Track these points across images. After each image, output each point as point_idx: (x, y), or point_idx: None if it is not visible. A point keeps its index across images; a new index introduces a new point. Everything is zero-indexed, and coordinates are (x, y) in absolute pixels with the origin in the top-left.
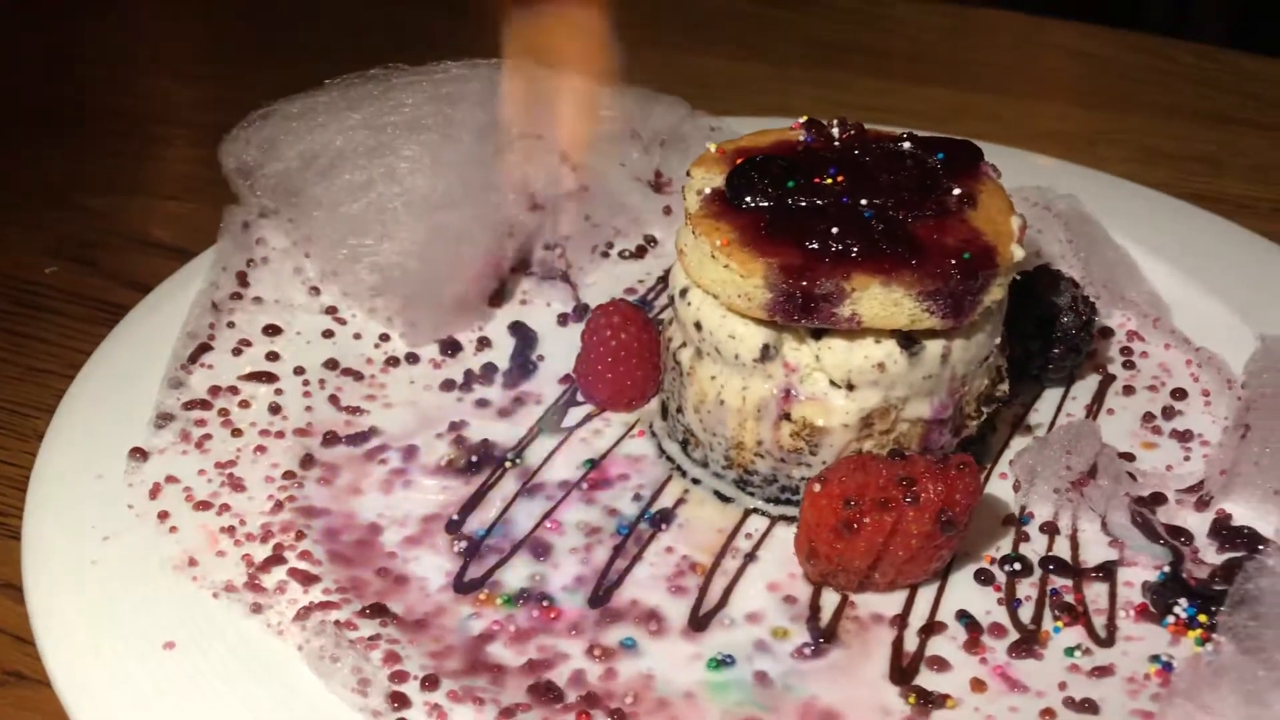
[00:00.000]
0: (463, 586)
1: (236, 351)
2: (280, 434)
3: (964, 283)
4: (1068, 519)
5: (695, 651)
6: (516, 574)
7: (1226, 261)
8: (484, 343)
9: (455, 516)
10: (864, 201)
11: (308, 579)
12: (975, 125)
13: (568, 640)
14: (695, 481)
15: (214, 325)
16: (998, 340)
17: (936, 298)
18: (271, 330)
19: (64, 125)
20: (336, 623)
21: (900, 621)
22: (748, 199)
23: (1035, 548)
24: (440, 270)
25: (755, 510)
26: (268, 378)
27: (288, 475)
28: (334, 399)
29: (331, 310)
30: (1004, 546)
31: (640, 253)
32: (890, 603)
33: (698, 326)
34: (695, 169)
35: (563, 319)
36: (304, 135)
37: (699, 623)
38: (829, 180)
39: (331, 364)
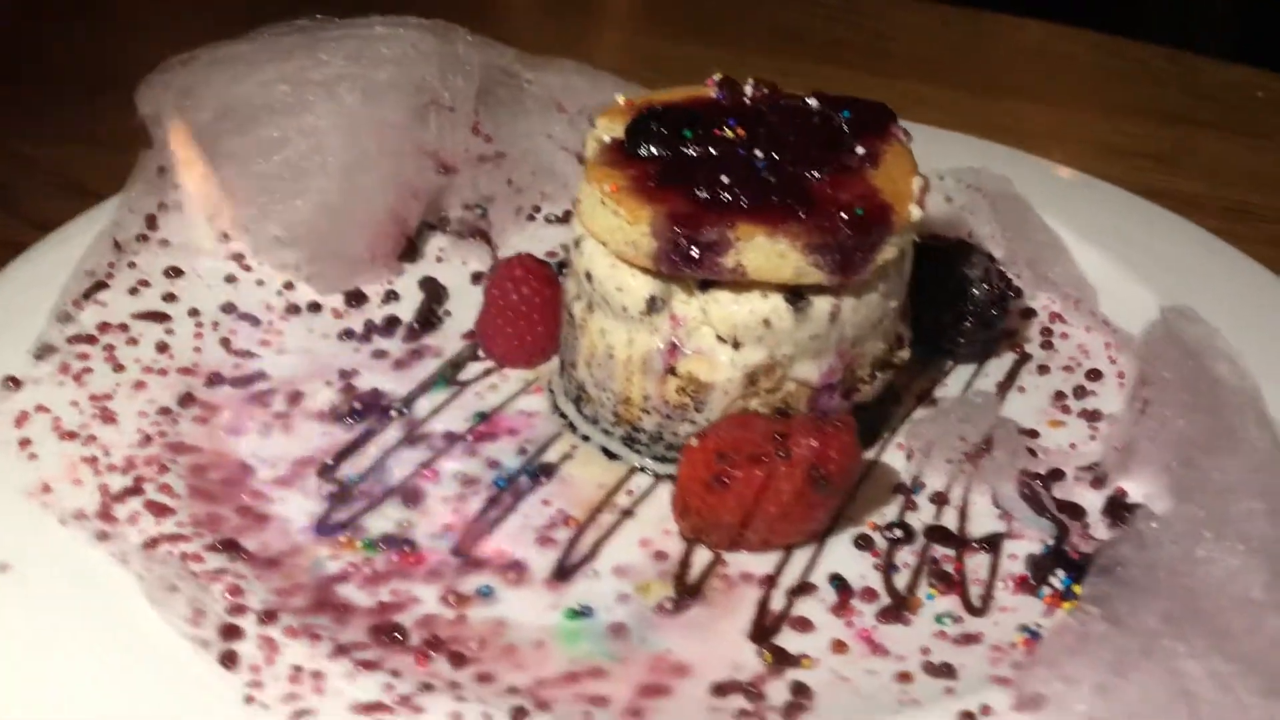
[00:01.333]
0: (325, 529)
1: (133, 291)
2: (163, 371)
3: (854, 238)
4: (960, 491)
5: (554, 601)
6: (383, 520)
7: (1158, 249)
8: (391, 296)
9: (329, 461)
10: (758, 153)
11: (162, 511)
12: (930, 115)
13: (424, 585)
14: (585, 438)
15: (114, 265)
16: (894, 304)
17: (824, 252)
18: (173, 272)
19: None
20: (183, 555)
21: (769, 582)
22: (644, 147)
23: (922, 517)
24: (349, 227)
25: (641, 469)
26: (160, 317)
27: (163, 411)
28: (225, 342)
29: (238, 257)
30: (890, 514)
31: (567, 218)
32: (763, 563)
33: (588, 277)
34: (601, 119)
35: (477, 277)
36: (222, 87)
37: (563, 573)
38: (728, 132)
39: (229, 308)
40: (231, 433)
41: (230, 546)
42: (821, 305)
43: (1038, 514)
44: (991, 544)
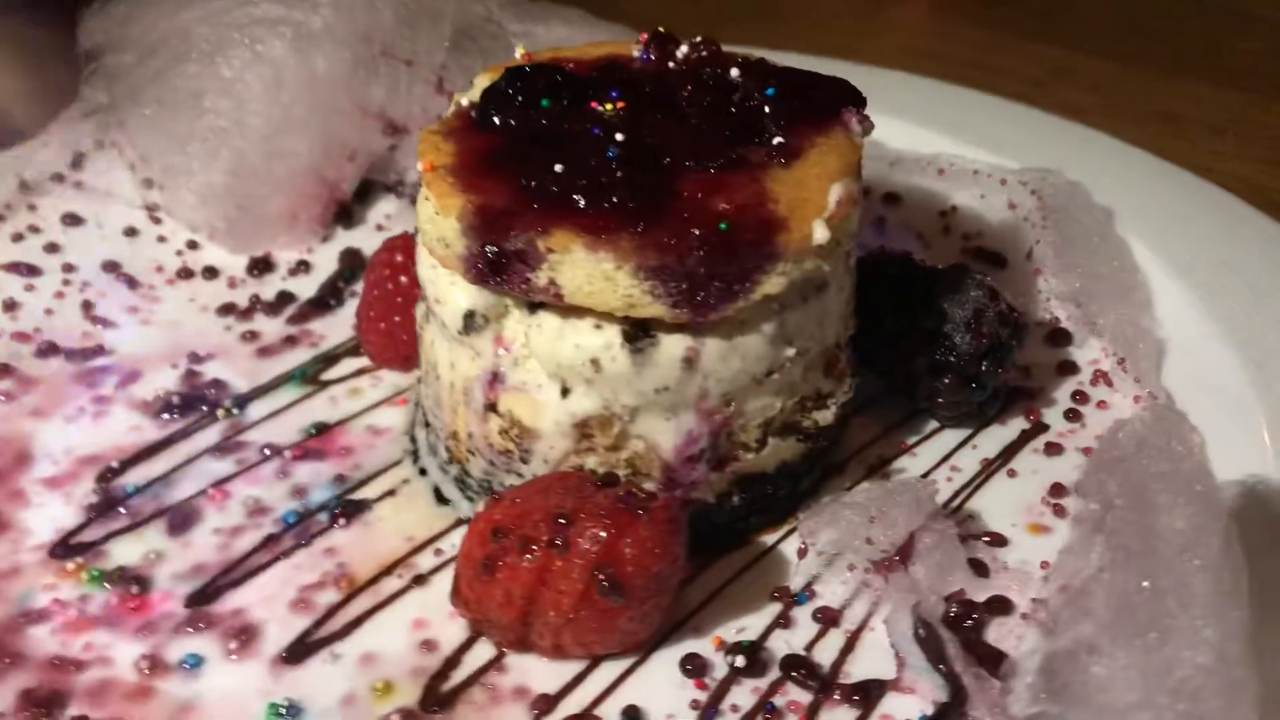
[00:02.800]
0: (61, 550)
1: (18, 237)
2: None
3: (709, 263)
4: (860, 611)
5: (268, 688)
6: (132, 548)
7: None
8: (303, 267)
9: (115, 464)
10: (619, 137)
11: None
12: (1069, 93)
13: (129, 641)
14: (423, 472)
15: (9, 206)
16: (794, 350)
17: (666, 278)
18: (70, 220)
19: None
20: None
21: (546, 704)
22: (493, 116)
23: (792, 640)
24: (268, 189)
25: (469, 521)
26: (27, 270)
27: None
28: (87, 305)
29: (152, 207)
30: (750, 630)
31: None
32: (552, 675)
33: (418, 277)
34: (481, 76)
35: None
36: (154, 22)
37: (297, 652)
38: (607, 106)
39: (111, 266)
40: (34, 415)
41: None
42: (671, 348)
43: (932, 664)
44: (865, 695)
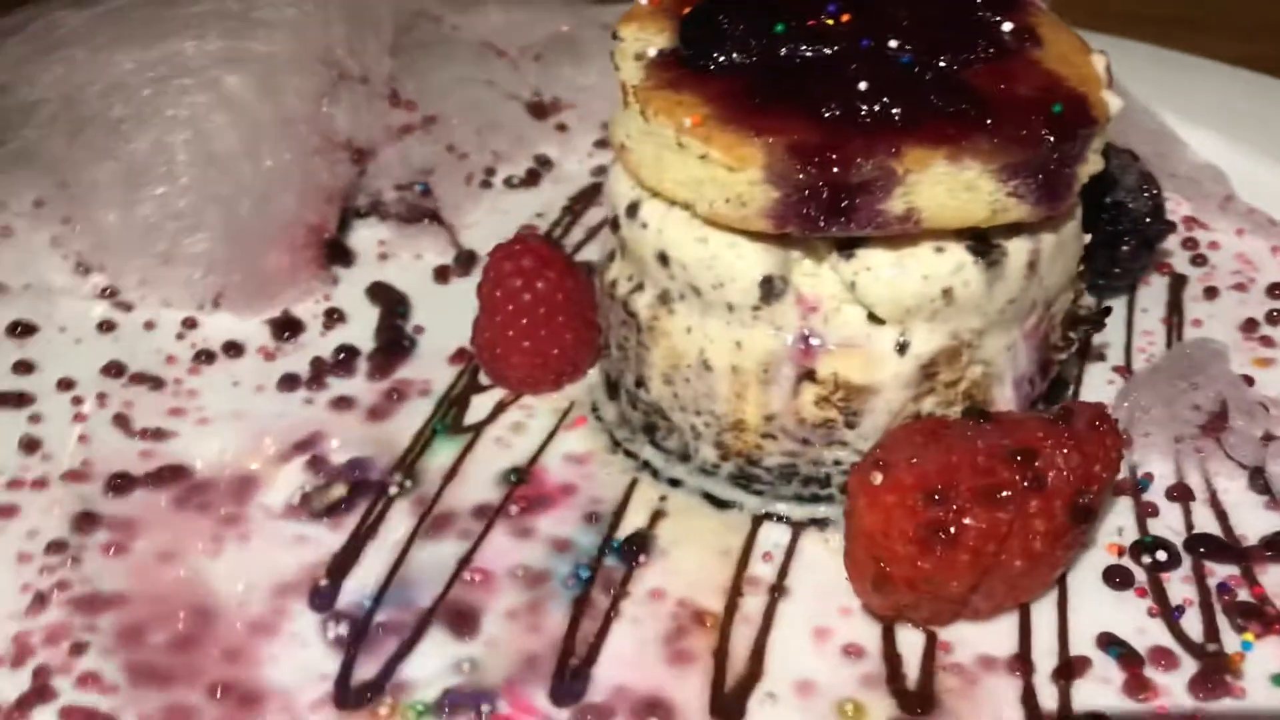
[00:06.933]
0: (350, 696)
1: None
2: (40, 483)
3: (1060, 148)
4: (1197, 479)
5: None
6: (433, 663)
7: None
8: (334, 316)
9: (324, 582)
10: (894, 44)
11: None
12: None
13: None
14: (674, 483)
15: None
16: (1087, 238)
17: (1025, 174)
18: (21, 330)
19: None
20: None
21: (1022, 664)
22: (717, 55)
23: (1169, 524)
24: (259, 246)
25: (769, 516)
26: (17, 400)
27: (54, 548)
28: (122, 420)
29: (110, 293)
30: (1128, 529)
31: (533, 179)
32: (997, 636)
33: (662, 259)
34: (625, 28)
35: (442, 273)
36: (56, 82)
37: (730, 706)
38: (829, 20)
39: (115, 369)
40: (166, 561)
41: None
42: (1017, 254)
43: None
44: None
